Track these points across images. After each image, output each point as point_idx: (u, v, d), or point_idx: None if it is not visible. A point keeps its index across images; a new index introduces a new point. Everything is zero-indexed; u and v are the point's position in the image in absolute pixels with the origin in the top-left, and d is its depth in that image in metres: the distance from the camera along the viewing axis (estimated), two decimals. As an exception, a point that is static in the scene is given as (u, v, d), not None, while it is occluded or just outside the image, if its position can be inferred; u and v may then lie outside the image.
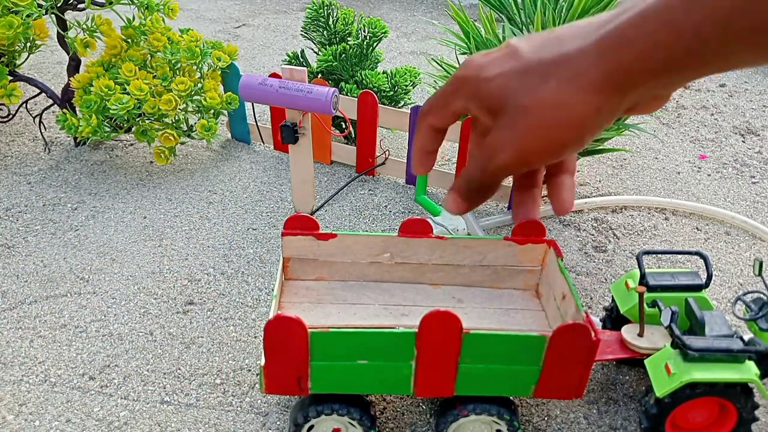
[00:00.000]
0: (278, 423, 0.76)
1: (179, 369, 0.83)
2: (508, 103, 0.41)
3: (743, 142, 1.52)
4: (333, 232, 0.79)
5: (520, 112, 0.40)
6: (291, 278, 0.83)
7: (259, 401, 0.78)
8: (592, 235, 1.13)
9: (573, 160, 0.54)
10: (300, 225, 0.78)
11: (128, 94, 1.15)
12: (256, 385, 0.81)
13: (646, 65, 0.38)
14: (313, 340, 0.61)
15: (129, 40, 1.24)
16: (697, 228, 1.17)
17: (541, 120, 0.40)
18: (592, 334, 0.62)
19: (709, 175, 1.37)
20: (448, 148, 1.43)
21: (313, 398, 0.68)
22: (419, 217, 0.78)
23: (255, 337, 0.88)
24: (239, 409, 0.77)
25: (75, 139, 1.36)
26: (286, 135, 1.04)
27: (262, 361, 0.63)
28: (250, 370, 0.83)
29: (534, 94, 0.40)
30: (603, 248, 1.09)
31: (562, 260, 0.75)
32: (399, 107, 1.33)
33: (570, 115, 0.40)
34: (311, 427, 0.69)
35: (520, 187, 0.51)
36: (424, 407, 0.78)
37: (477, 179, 0.45)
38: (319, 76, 1.34)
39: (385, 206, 1.20)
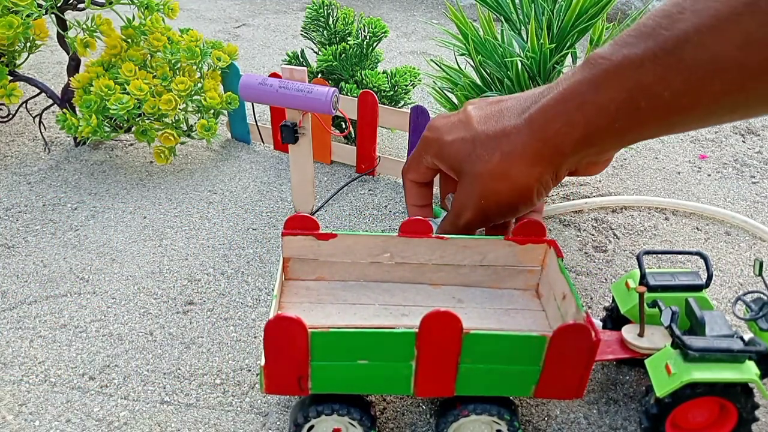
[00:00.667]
0: (278, 423, 0.76)
1: (179, 369, 0.83)
2: (464, 169, 0.47)
3: (743, 142, 1.52)
4: (333, 232, 0.79)
5: (475, 179, 0.46)
6: (291, 278, 0.83)
7: (259, 401, 0.78)
8: (592, 235, 1.13)
9: (540, 204, 0.61)
10: (300, 225, 0.78)
11: (128, 94, 1.15)
12: (256, 385, 0.81)
13: (568, 140, 0.43)
14: (314, 340, 0.61)
15: (129, 40, 1.24)
16: (697, 228, 1.17)
17: (491, 187, 0.46)
18: (593, 334, 0.62)
19: (709, 175, 1.37)
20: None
21: (313, 398, 0.68)
22: (419, 218, 0.78)
23: (255, 337, 0.88)
24: (239, 409, 0.77)
25: (75, 139, 1.36)
26: (286, 135, 1.04)
27: (262, 362, 0.63)
28: (250, 370, 0.83)
29: (483, 165, 0.46)
30: (603, 248, 1.09)
31: (562, 260, 0.75)
32: (399, 107, 1.33)
33: (515, 184, 0.46)
34: (311, 427, 0.69)
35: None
36: (424, 407, 0.78)
37: (453, 232, 0.55)
38: (319, 76, 1.34)
39: (385, 206, 1.20)
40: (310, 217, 0.77)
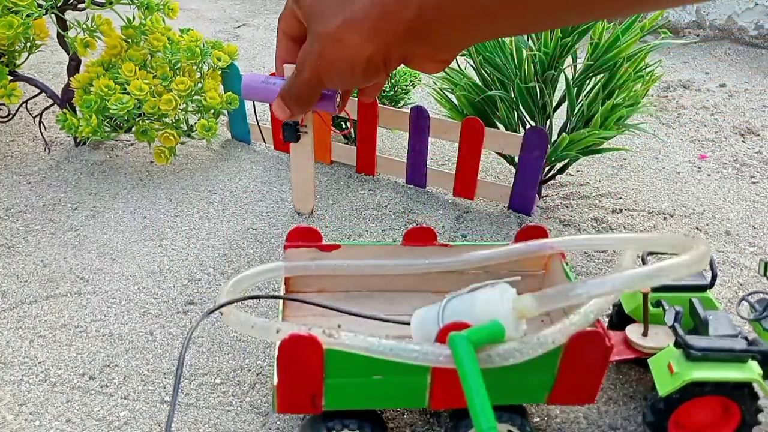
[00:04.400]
0: (278, 423, 0.75)
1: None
2: (311, 26, 0.46)
3: (743, 142, 1.52)
4: (336, 244, 0.78)
5: (316, 38, 0.45)
6: (292, 291, 0.82)
7: (259, 401, 0.78)
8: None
9: (371, 86, 0.57)
10: (303, 237, 0.77)
11: (128, 94, 1.15)
12: (257, 385, 0.80)
13: (400, 19, 0.42)
14: (328, 358, 0.61)
15: (129, 40, 1.23)
16: (697, 228, 1.17)
17: (327, 51, 0.45)
18: (607, 340, 0.62)
19: (709, 175, 1.37)
20: (448, 148, 1.43)
21: (325, 415, 0.67)
22: (423, 226, 0.78)
23: (255, 337, 0.88)
24: (239, 409, 0.77)
25: (75, 139, 1.36)
26: (288, 133, 1.04)
27: (275, 381, 0.62)
28: (250, 370, 0.83)
29: (325, 26, 0.44)
30: (603, 248, 1.09)
31: (567, 264, 0.75)
32: (399, 107, 1.33)
33: (346, 54, 0.44)
34: None
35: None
36: (423, 408, 0.78)
37: (293, 90, 0.52)
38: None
39: (385, 206, 1.19)
40: (312, 228, 0.76)
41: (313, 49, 0.46)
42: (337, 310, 0.71)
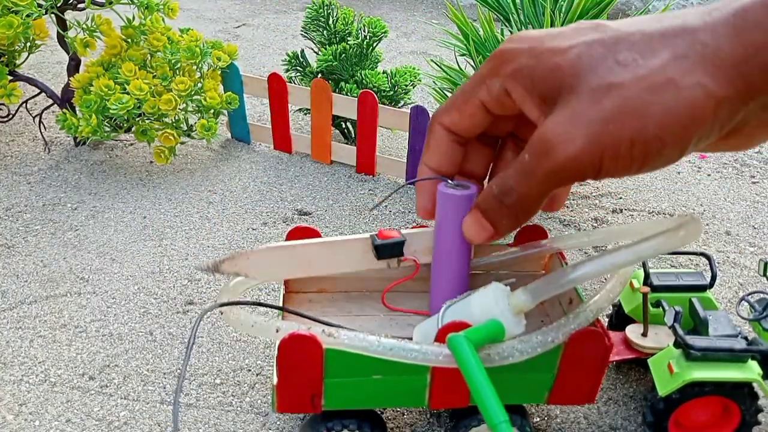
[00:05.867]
0: (278, 423, 0.75)
1: (179, 369, 0.83)
2: (584, 81, 0.28)
3: (743, 142, 1.52)
4: None
5: (602, 91, 0.28)
6: (292, 291, 0.82)
7: (259, 401, 0.78)
8: (593, 235, 1.13)
9: (565, 195, 0.41)
10: (302, 236, 0.77)
11: (128, 93, 1.15)
12: (256, 385, 0.81)
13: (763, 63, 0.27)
14: (328, 357, 0.60)
15: (129, 40, 1.23)
16: (697, 228, 1.17)
17: (635, 102, 0.27)
18: (606, 339, 0.62)
19: (709, 175, 1.37)
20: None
21: (325, 415, 0.67)
22: (424, 225, 0.78)
23: (255, 338, 0.88)
24: (239, 409, 0.77)
25: (75, 139, 1.36)
26: (382, 252, 0.70)
27: (275, 380, 0.62)
28: (250, 370, 0.83)
29: (631, 70, 0.28)
30: (603, 248, 1.09)
31: (566, 264, 0.75)
32: (399, 107, 1.33)
33: (678, 101, 0.27)
34: None
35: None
36: (423, 407, 0.78)
37: (517, 191, 0.31)
38: (319, 76, 1.34)
39: (385, 206, 1.19)
40: (312, 228, 0.76)
41: (593, 111, 0.28)
42: (336, 326, 0.71)
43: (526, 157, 0.30)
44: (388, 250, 0.67)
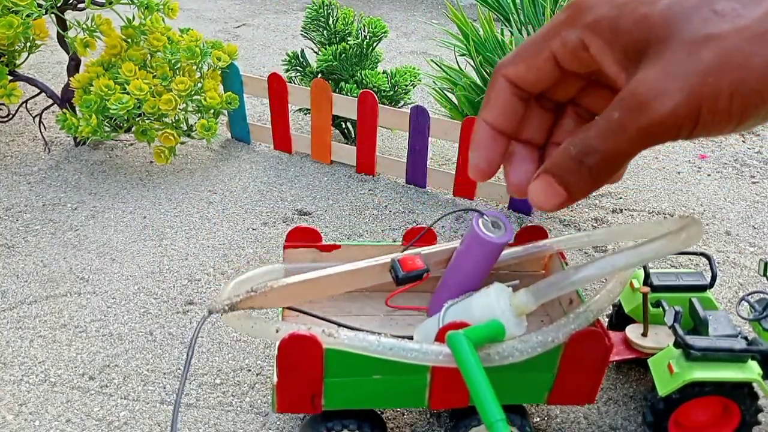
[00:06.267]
0: (278, 423, 0.75)
1: (179, 369, 0.83)
2: (677, 33, 0.26)
3: (743, 142, 1.52)
4: (336, 243, 0.77)
5: (698, 43, 0.26)
6: None
7: (259, 401, 0.78)
8: (593, 235, 1.13)
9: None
10: (303, 237, 0.77)
11: (128, 93, 1.15)
12: (256, 385, 0.81)
13: None
14: (328, 357, 0.60)
15: (129, 40, 1.23)
16: (697, 228, 1.17)
17: (735, 54, 0.25)
18: (606, 339, 0.62)
19: (709, 175, 1.36)
20: (448, 148, 1.43)
21: (325, 415, 0.67)
22: (423, 226, 0.78)
23: (255, 337, 0.88)
24: (239, 409, 0.77)
25: (75, 139, 1.36)
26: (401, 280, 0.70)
27: (275, 380, 0.62)
28: (250, 370, 0.83)
29: (730, 20, 0.26)
30: (603, 248, 1.09)
31: (566, 264, 0.75)
32: (399, 107, 1.33)
33: None
34: None
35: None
36: (423, 407, 0.78)
37: (601, 151, 0.27)
38: (319, 76, 1.34)
39: (385, 206, 1.19)
40: (312, 228, 0.76)
41: (690, 61, 0.26)
42: (338, 324, 0.71)
43: (615, 114, 0.27)
44: (410, 280, 0.67)
